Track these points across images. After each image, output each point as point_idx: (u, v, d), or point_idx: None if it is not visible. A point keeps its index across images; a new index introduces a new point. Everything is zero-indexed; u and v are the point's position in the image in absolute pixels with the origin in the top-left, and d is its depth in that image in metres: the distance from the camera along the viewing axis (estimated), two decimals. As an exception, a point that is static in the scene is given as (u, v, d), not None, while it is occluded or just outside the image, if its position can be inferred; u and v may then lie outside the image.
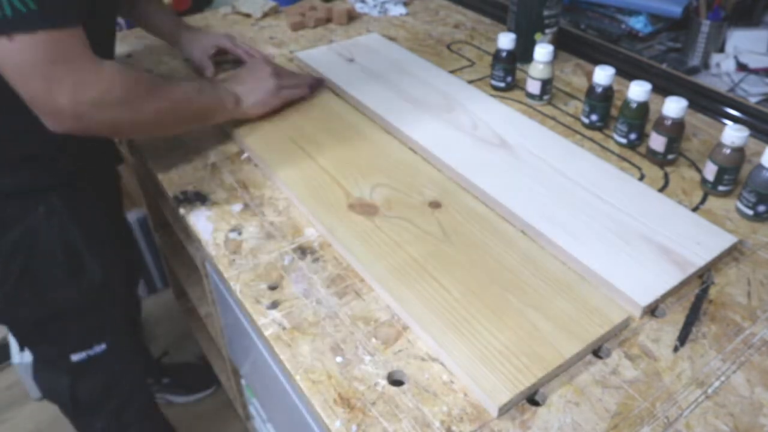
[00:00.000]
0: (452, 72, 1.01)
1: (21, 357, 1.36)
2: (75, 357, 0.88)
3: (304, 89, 0.90)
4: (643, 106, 0.80)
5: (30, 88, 0.60)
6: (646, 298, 0.59)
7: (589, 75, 1.01)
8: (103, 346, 0.89)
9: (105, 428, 0.97)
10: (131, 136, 0.71)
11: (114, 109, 0.65)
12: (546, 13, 0.98)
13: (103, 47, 0.78)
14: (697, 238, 0.65)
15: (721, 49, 1.17)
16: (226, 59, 1.04)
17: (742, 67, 1.13)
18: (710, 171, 0.73)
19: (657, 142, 0.78)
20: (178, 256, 1.28)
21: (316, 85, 0.94)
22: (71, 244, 0.81)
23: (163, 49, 1.11)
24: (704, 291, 0.62)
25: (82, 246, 0.82)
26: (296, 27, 1.18)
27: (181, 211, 0.74)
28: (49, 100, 0.61)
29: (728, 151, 0.71)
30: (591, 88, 0.84)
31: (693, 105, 0.89)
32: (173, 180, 0.79)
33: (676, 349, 0.56)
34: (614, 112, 0.88)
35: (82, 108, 0.62)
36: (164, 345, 1.54)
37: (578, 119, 0.89)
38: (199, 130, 0.88)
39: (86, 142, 0.72)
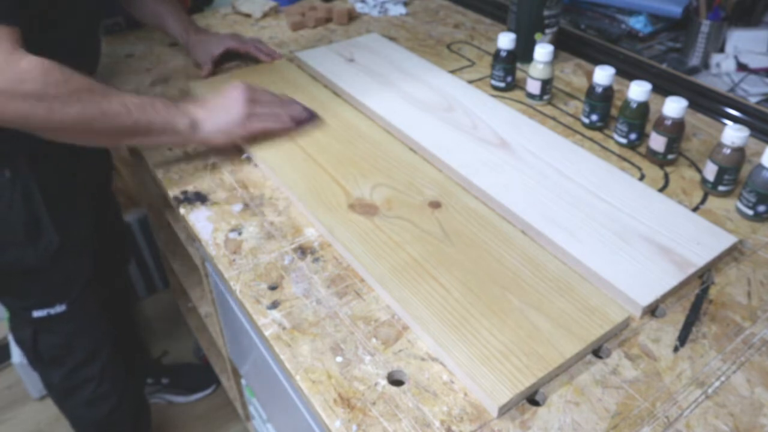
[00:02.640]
0: (452, 72, 1.01)
1: (21, 357, 1.36)
2: (36, 313, 0.92)
3: (283, 120, 0.81)
4: (643, 106, 0.80)
5: None
6: (646, 298, 0.59)
7: (589, 75, 1.01)
8: (63, 307, 0.93)
9: (63, 381, 1.01)
10: (49, 137, 0.68)
11: (23, 103, 0.63)
12: (546, 13, 0.98)
13: (76, 56, 0.79)
14: (697, 238, 0.65)
15: (721, 49, 1.17)
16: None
17: (742, 67, 1.13)
18: (710, 171, 0.73)
19: (657, 142, 0.78)
20: (178, 256, 1.28)
21: (307, 119, 0.84)
22: (32, 209, 0.83)
23: (164, 49, 1.12)
24: (704, 291, 0.62)
25: (42, 211, 0.84)
26: (296, 27, 1.18)
27: (181, 211, 0.74)
28: None
29: (728, 151, 0.71)
30: (591, 88, 0.84)
31: (693, 105, 0.89)
32: (173, 180, 0.79)
33: (676, 349, 0.56)
34: (614, 112, 0.87)
35: None
36: (164, 345, 1.54)
37: (578, 119, 0.89)
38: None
39: None
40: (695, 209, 0.73)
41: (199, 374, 1.46)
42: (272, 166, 0.77)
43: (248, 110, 0.77)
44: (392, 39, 1.11)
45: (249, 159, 0.82)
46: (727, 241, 0.65)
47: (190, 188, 0.77)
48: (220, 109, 0.77)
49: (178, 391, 1.43)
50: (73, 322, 0.96)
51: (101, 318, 1.02)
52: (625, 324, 0.58)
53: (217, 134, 0.77)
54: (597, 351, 0.56)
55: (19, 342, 0.99)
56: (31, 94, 0.63)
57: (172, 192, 0.77)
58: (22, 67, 0.63)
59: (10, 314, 0.98)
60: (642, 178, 0.78)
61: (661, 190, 0.76)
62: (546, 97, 0.92)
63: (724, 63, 1.14)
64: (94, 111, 0.67)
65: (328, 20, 1.21)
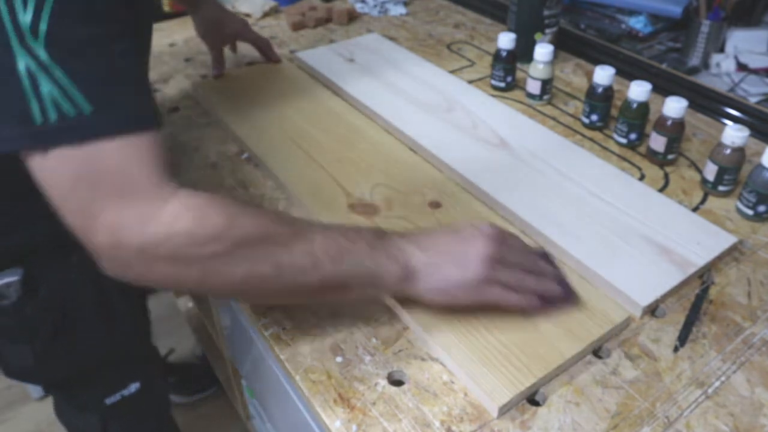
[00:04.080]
0: (452, 72, 1.01)
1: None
2: (109, 400, 0.83)
3: (529, 300, 0.55)
4: (644, 106, 0.80)
5: (66, 215, 0.45)
6: (646, 298, 0.59)
7: (589, 75, 1.01)
8: (137, 385, 0.85)
9: None
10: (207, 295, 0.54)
11: (168, 267, 0.46)
12: (546, 13, 0.98)
13: None
14: (697, 238, 0.65)
15: (721, 49, 1.17)
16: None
17: (742, 67, 1.13)
18: (710, 171, 0.73)
19: (657, 142, 0.78)
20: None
21: (560, 299, 0.58)
22: (105, 294, 0.74)
23: (164, 48, 1.11)
24: (704, 291, 0.62)
25: (113, 293, 0.75)
26: (296, 27, 1.18)
27: (181, 211, 0.74)
28: (86, 237, 0.46)
29: (728, 151, 0.71)
30: (591, 88, 0.84)
31: (693, 105, 0.89)
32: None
33: (676, 349, 0.56)
34: (614, 112, 0.87)
35: (123, 254, 0.45)
36: (165, 345, 1.54)
37: (578, 119, 0.89)
38: (198, 129, 0.88)
39: None
40: (695, 209, 0.73)
41: (199, 374, 1.46)
42: (272, 166, 0.77)
43: (488, 273, 0.53)
44: (392, 39, 1.11)
45: (249, 159, 0.82)
46: (727, 241, 0.65)
47: (190, 188, 0.77)
48: (449, 259, 0.54)
49: (179, 390, 1.43)
50: (145, 396, 0.86)
51: (167, 381, 0.97)
52: (625, 324, 0.58)
53: (437, 294, 0.54)
54: (597, 351, 0.56)
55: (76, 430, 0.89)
56: (177, 256, 0.46)
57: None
58: (164, 218, 0.45)
59: (66, 409, 0.88)
60: (642, 178, 0.78)
61: (661, 190, 0.75)
62: (546, 97, 0.92)
63: (724, 63, 1.14)
64: (265, 269, 0.48)
65: (328, 20, 1.21)
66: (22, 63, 0.42)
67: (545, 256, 0.61)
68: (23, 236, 0.65)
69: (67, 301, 0.71)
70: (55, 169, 0.44)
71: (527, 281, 0.56)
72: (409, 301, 0.58)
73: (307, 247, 0.49)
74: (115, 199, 0.44)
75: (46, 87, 0.42)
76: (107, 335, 0.78)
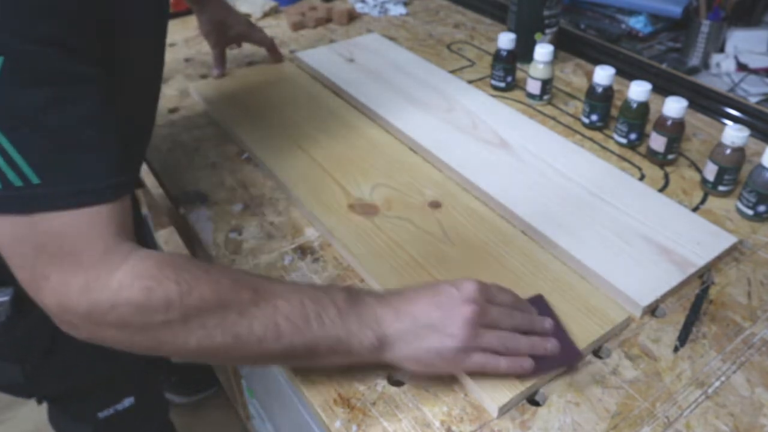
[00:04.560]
0: (452, 72, 1.01)
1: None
2: (102, 414, 0.82)
3: (519, 362, 0.51)
4: (643, 106, 0.80)
5: (15, 272, 0.45)
6: (646, 298, 0.59)
7: (589, 75, 1.01)
8: (131, 399, 0.84)
9: None
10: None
11: (118, 332, 0.45)
12: (546, 13, 0.98)
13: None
14: (697, 238, 0.65)
15: (721, 49, 1.17)
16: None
17: (742, 67, 1.13)
18: (710, 171, 0.73)
19: (657, 142, 0.78)
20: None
21: (557, 361, 0.52)
22: None
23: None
24: (704, 291, 0.62)
25: None
26: (296, 27, 1.18)
27: (181, 211, 0.74)
28: (35, 297, 0.45)
29: (728, 151, 0.71)
30: (591, 88, 0.84)
31: (693, 105, 0.89)
32: (173, 180, 0.79)
33: (676, 349, 0.56)
34: (614, 112, 0.87)
35: (71, 318, 0.45)
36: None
37: (578, 119, 0.89)
38: (198, 129, 0.88)
39: None
40: (695, 209, 0.73)
41: (199, 375, 1.46)
42: (272, 166, 0.77)
43: (470, 340, 0.49)
44: (392, 39, 1.11)
45: (249, 159, 0.82)
46: (727, 241, 0.65)
47: (190, 188, 0.77)
48: (428, 326, 0.49)
49: (179, 390, 1.43)
50: (140, 411, 0.85)
51: (164, 396, 0.96)
52: (625, 324, 0.58)
53: (412, 363, 0.50)
54: (597, 351, 0.56)
55: None
56: (126, 324, 0.44)
57: (173, 192, 0.77)
58: (111, 287, 0.43)
59: (59, 417, 0.88)
60: (642, 178, 0.78)
61: (661, 190, 0.75)
62: (546, 97, 0.92)
63: (724, 63, 1.14)
64: (224, 338, 0.46)
65: (328, 20, 1.21)
66: None
67: (540, 302, 0.57)
68: None
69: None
70: (2, 232, 0.43)
71: (515, 342, 0.51)
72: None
73: (268, 315, 0.46)
74: (60, 266, 0.43)
75: None
76: (100, 355, 0.77)
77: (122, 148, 0.47)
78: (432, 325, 0.49)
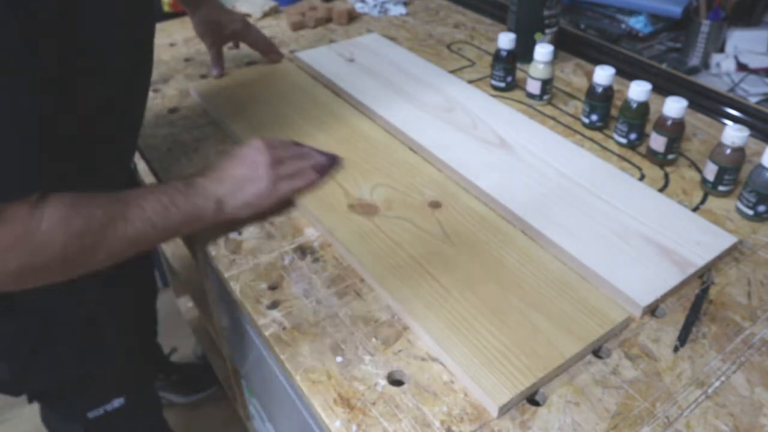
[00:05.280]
0: (452, 72, 1.01)
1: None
2: (92, 414, 0.84)
3: (308, 175, 0.72)
4: (644, 106, 0.80)
5: None
6: (646, 298, 0.59)
7: (589, 75, 1.01)
8: (121, 400, 0.86)
9: None
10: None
11: (45, 273, 0.54)
12: (546, 13, 0.98)
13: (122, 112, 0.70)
14: (697, 238, 0.65)
15: (721, 49, 1.17)
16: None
17: (742, 67, 1.13)
18: (710, 171, 0.73)
19: (657, 142, 0.78)
20: (178, 256, 1.28)
21: (328, 165, 0.75)
22: (91, 314, 0.76)
23: (164, 48, 1.11)
24: (704, 291, 0.62)
25: (102, 315, 0.77)
26: (296, 27, 1.18)
27: (181, 211, 0.74)
28: None
29: (728, 151, 0.71)
30: (591, 88, 0.84)
31: (693, 105, 0.89)
32: (173, 180, 0.79)
33: (676, 349, 0.56)
34: (614, 112, 0.87)
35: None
36: (166, 344, 1.54)
37: (578, 119, 0.89)
38: (198, 128, 0.88)
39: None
40: (695, 209, 0.73)
41: (199, 374, 1.46)
42: (272, 166, 0.77)
43: (274, 175, 0.67)
44: (392, 39, 1.11)
45: (249, 159, 0.82)
46: (727, 241, 0.65)
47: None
48: (243, 179, 0.66)
49: (179, 390, 1.43)
50: (130, 412, 0.87)
51: (156, 399, 0.96)
52: (625, 324, 0.58)
53: (245, 208, 0.67)
54: (597, 351, 0.56)
55: None
56: (52, 262, 0.54)
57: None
58: (39, 237, 0.52)
59: (51, 416, 0.89)
60: (642, 178, 0.78)
61: (661, 190, 0.75)
62: (546, 97, 0.92)
63: (724, 63, 1.14)
64: (121, 245, 0.58)
65: (328, 20, 1.21)
66: None
67: (308, 148, 0.76)
68: None
69: (48, 320, 0.72)
70: None
71: (302, 165, 0.71)
72: (408, 301, 0.59)
73: (141, 214, 0.59)
74: None
75: None
76: (89, 355, 0.78)
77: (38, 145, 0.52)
78: (246, 176, 0.66)
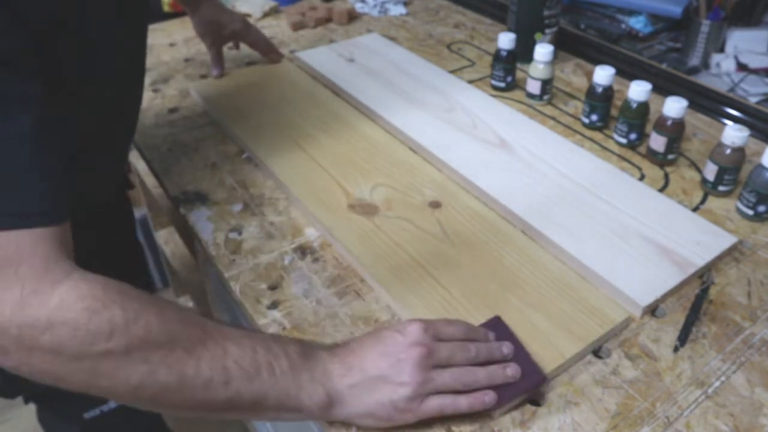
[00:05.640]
0: (452, 72, 1.01)
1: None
2: (88, 415, 0.81)
3: (478, 399, 0.48)
4: (644, 106, 0.80)
5: None
6: (646, 298, 0.59)
7: (589, 75, 1.01)
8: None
9: None
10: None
11: (52, 359, 0.40)
12: (546, 13, 0.98)
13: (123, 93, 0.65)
14: (697, 238, 0.65)
15: (721, 49, 1.17)
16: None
17: (742, 67, 1.13)
18: (710, 171, 0.73)
19: (657, 142, 0.78)
20: (178, 256, 1.28)
21: (530, 387, 0.51)
22: None
23: (164, 48, 1.11)
24: (704, 291, 0.62)
25: None
26: (296, 27, 1.18)
27: (181, 211, 0.74)
28: None
29: (728, 151, 0.71)
30: (591, 88, 0.84)
31: (693, 105, 0.89)
32: (173, 180, 0.79)
33: (676, 349, 0.56)
34: (614, 112, 0.87)
35: (1, 338, 0.40)
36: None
37: (578, 119, 0.89)
38: (198, 129, 0.88)
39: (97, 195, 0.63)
40: (695, 209, 0.73)
41: None
42: (272, 166, 0.77)
43: (423, 384, 0.47)
44: (392, 39, 1.11)
45: (249, 159, 0.82)
46: (727, 241, 0.65)
47: (190, 188, 0.77)
48: (376, 378, 0.47)
49: None
50: (126, 413, 0.84)
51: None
52: (625, 324, 0.58)
53: (368, 419, 0.48)
54: (597, 351, 0.56)
55: None
56: (61, 350, 0.40)
57: (172, 192, 0.77)
58: (51, 303, 0.40)
59: (47, 416, 0.88)
60: (642, 178, 0.78)
61: (661, 190, 0.75)
62: (546, 97, 0.92)
63: (724, 63, 1.14)
64: (168, 377, 0.42)
65: (328, 20, 1.21)
66: None
67: (499, 325, 0.54)
68: None
69: None
70: None
71: (472, 377, 0.48)
72: (408, 301, 0.59)
73: (217, 356, 0.43)
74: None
75: None
76: None
77: (65, 168, 0.44)
78: (381, 376, 0.46)
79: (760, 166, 0.68)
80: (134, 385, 0.41)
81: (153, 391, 0.42)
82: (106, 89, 0.60)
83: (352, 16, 1.23)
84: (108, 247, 0.75)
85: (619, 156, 0.82)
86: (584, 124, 0.87)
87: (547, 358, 0.53)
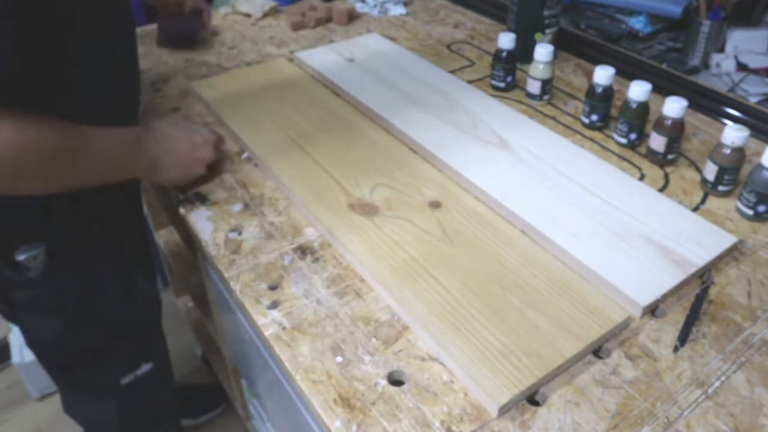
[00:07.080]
0: (452, 72, 1.01)
1: (21, 357, 1.36)
2: (124, 380, 0.86)
3: (212, 148, 0.77)
4: (643, 106, 0.80)
5: None
6: (646, 298, 0.59)
7: (589, 75, 1.01)
8: (150, 365, 0.88)
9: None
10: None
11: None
12: (546, 13, 0.98)
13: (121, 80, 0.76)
14: (697, 238, 0.65)
15: (721, 49, 1.17)
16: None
17: (742, 67, 1.13)
18: (710, 171, 0.73)
19: (657, 142, 0.78)
20: (179, 256, 1.28)
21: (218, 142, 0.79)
22: (126, 265, 0.81)
23: (164, 48, 1.11)
24: (704, 291, 0.62)
25: (134, 267, 0.83)
26: (296, 27, 1.18)
27: (181, 211, 0.74)
28: None
29: (728, 151, 0.71)
30: (591, 88, 0.84)
31: (693, 105, 0.89)
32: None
33: (676, 349, 0.56)
34: (614, 112, 0.87)
35: None
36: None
37: (578, 119, 0.89)
38: (199, 130, 0.88)
39: None
40: (695, 209, 0.73)
41: (207, 395, 1.41)
42: (272, 166, 0.77)
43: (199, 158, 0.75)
44: (392, 39, 1.11)
45: (249, 159, 0.82)
46: (727, 241, 0.65)
47: (190, 188, 0.77)
48: (183, 152, 0.74)
49: (184, 414, 1.34)
50: (155, 380, 0.90)
51: (172, 371, 0.99)
52: (625, 324, 0.58)
53: (174, 180, 0.75)
54: (597, 351, 0.56)
55: (97, 426, 0.91)
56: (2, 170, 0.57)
57: (172, 192, 0.77)
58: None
59: (76, 401, 0.89)
60: (642, 178, 0.78)
61: (661, 190, 0.76)
62: (546, 97, 0.92)
63: (724, 63, 1.14)
64: (64, 181, 0.63)
65: (328, 20, 1.21)
66: None
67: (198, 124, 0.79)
68: (43, 208, 0.70)
69: (90, 271, 0.76)
70: None
71: (204, 137, 0.76)
72: (408, 301, 0.59)
73: (90, 155, 0.63)
74: None
75: None
76: (128, 306, 0.82)
77: (25, 43, 0.56)
78: (185, 151, 0.74)
79: (760, 166, 0.68)
80: (42, 187, 0.62)
81: (52, 185, 0.62)
82: (95, 35, 0.68)
83: (352, 16, 1.23)
84: (121, 246, 0.81)
85: (619, 156, 0.82)
86: (584, 124, 0.87)
87: (547, 358, 0.53)
